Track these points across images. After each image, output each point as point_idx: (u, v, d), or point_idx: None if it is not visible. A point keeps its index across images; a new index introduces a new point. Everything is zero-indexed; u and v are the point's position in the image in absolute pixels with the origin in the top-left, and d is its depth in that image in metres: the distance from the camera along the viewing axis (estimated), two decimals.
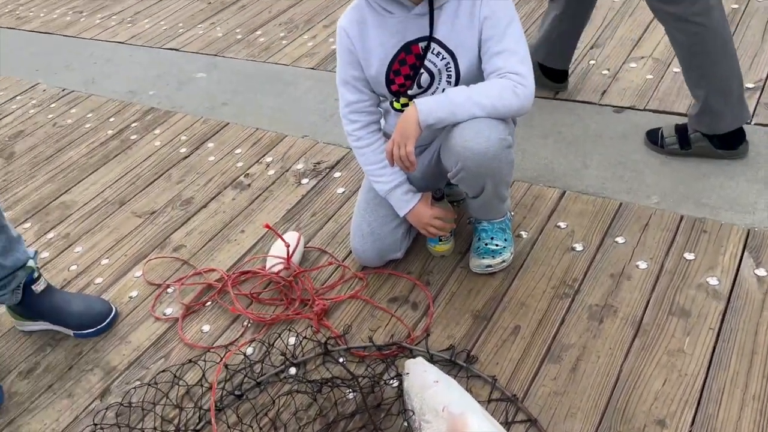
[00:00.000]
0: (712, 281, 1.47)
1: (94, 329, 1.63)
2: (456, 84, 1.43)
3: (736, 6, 2.45)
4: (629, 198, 1.74)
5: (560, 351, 1.39)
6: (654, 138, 1.88)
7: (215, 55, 2.98)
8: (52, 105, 2.83)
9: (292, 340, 1.52)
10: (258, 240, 1.85)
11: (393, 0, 1.38)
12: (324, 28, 3.01)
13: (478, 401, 1.26)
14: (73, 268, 1.89)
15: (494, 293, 1.54)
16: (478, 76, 1.42)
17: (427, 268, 1.65)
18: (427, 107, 1.34)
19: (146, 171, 2.26)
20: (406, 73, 1.43)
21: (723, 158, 1.78)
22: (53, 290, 1.65)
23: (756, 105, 1.97)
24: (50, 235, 2.04)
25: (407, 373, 1.31)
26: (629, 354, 1.36)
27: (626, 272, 1.53)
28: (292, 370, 1.46)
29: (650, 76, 2.19)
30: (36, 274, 1.60)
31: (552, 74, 2.14)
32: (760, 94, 2.02)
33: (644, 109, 2.06)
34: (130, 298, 1.75)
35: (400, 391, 1.35)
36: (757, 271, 1.47)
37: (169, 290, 1.74)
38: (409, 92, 1.46)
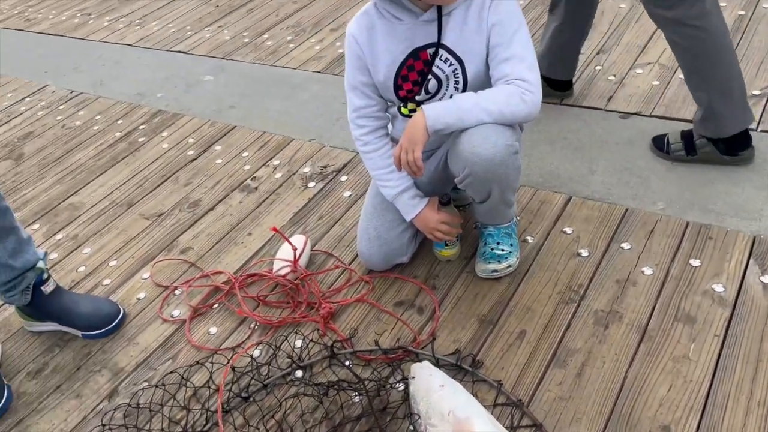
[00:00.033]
0: (718, 288, 1.47)
1: (103, 330, 1.64)
2: (463, 90, 1.44)
3: (742, 12, 2.46)
4: (635, 204, 1.74)
5: (566, 356, 1.39)
6: (660, 144, 1.89)
7: (223, 58, 3.00)
8: (61, 107, 2.85)
9: (298, 343, 1.53)
10: (265, 243, 1.86)
11: (402, 7, 1.40)
12: (331, 32, 3.03)
13: (484, 405, 1.26)
14: (82, 269, 1.91)
15: (500, 298, 1.55)
16: (485, 82, 1.43)
17: (433, 272, 1.65)
18: (435, 113, 1.35)
19: (154, 173, 2.28)
20: (414, 78, 1.45)
21: (729, 164, 1.78)
22: (62, 291, 1.67)
23: (762, 112, 1.98)
24: (59, 236, 2.06)
25: (413, 377, 1.32)
26: (634, 360, 1.36)
27: (632, 278, 1.53)
28: (299, 373, 1.47)
29: (656, 83, 2.20)
30: (45, 275, 1.62)
31: (556, 84, 2.15)
32: (767, 100, 2.02)
33: (650, 115, 2.07)
34: (138, 299, 1.76)
35: (405, 395, 1.35)
36: (762, 278, 1.47)
37: (177, 292, 1.76)
38: (417, 98, 1.47)
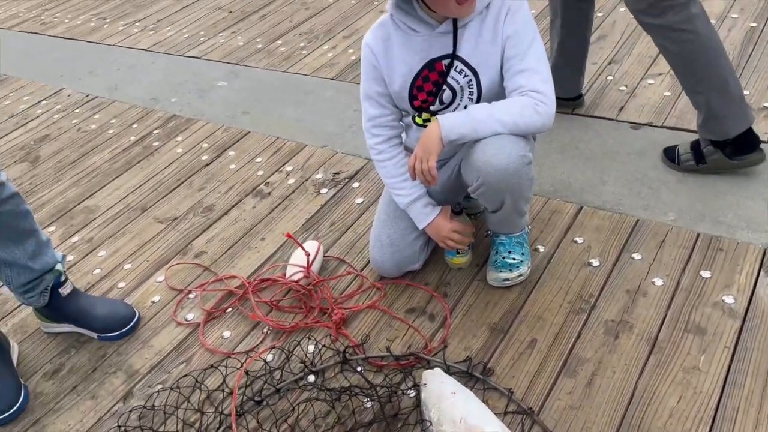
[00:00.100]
0: (728, 300, 1.48)
1: (118, 333, 1.67)
2: (477, 100, 1.46)
3: (754, 24, 2.47)
4: (646, 214, 1.75)
5: (576, 365, 1.41)
6: (671, 155, 1.90)
7: (236, 63, 3.03)
8: (77, 110, 2.89)
9: (311, 348, 1.55)
10: (278, 248, 1.89)
11: (418, 19, 1.42)
12: (343, 39, 3.06)
13: (495, 413, 1.28)
14: (97, 271, 1.94)
15: (511, 306, 1.56)
16: (499, 93, 1.45)
17: (444, 279, 1.67)
18: (450, 123, 1.37)
19: (168, 177, 2.31)
20: (429, 89, 1.47)
21: (738, 168, 1.78)
22: (79, 293, 1.69)
23: None
24: (74, 239, 2.09)
25: (425, 384, 1.34)
26: (644, 370, 1.37)
27: (642, 288, 1.55)
28: (311, 378, 1.48)
29: (668, 93, 2.21)
30: (63, 278, 1.64)
31: (565, 99, 2.17)
32: None
33: (662, 126, 2.08)
34: (152, 302, 1.78)
35: (417, 402, 1.37)
36: None
37: (191, 296, 1.78)
38: (431, 108, 1.49)
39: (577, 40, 2.05)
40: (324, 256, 1.81)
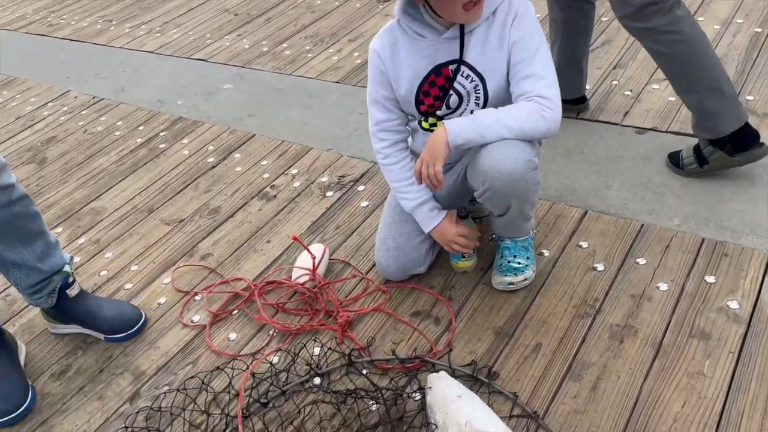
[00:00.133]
0: (733, 305, 1.48)
1: (125, 334, 1.68)
2: (484, 105, 1.47)
3: (759, 30, 2.47)
4: (651, 219, 1.76)
5: (581, 369, 1.41)
6: (675, 160, 1.90)
7: (242, 66, 3.04)
8: (83, 112, 2.91)
9: (316, 351, 1.56)
10: (284, 251, 1.90)
11: (425, 24, 1.43)
12: (349, 42, 3.07)
13: (500, 417, 1.28)
14: (104, 273, 1.95)
15: (516, 310, 1.57)
16: (505, 98, 1.46)
17: (449, 283, 1.68)
18: (457, 128, 1.38)
19: (174, 180, 2.32)
20: (436, 94, 1.48)
21: (741, 164, 1.78)
22: (87, 295, 1.71)
23: None
24: (81, 240, 2.10)
25: (430, 387, 1.34)
26: (649, 375, 1.38)
27: (647, 293, 1.55)
28: (317, 380, 1.49)
29: (672, 98, 2.21)
30: (71, 279, 1.66)
31: (569, 101, 2.17)
32: None
33: (666, 131, 2.08)
34: (159, 304, 1.80)
35: (422, 405, 1.38)
36: None
37: (197, 298, 1.79)
38: (438, 113, 1.50)
39: (578, 41, 2.05)
40: (330, 259, 1.82)
